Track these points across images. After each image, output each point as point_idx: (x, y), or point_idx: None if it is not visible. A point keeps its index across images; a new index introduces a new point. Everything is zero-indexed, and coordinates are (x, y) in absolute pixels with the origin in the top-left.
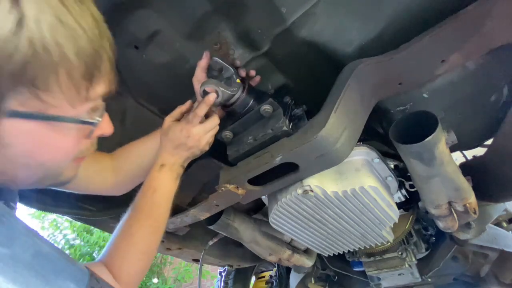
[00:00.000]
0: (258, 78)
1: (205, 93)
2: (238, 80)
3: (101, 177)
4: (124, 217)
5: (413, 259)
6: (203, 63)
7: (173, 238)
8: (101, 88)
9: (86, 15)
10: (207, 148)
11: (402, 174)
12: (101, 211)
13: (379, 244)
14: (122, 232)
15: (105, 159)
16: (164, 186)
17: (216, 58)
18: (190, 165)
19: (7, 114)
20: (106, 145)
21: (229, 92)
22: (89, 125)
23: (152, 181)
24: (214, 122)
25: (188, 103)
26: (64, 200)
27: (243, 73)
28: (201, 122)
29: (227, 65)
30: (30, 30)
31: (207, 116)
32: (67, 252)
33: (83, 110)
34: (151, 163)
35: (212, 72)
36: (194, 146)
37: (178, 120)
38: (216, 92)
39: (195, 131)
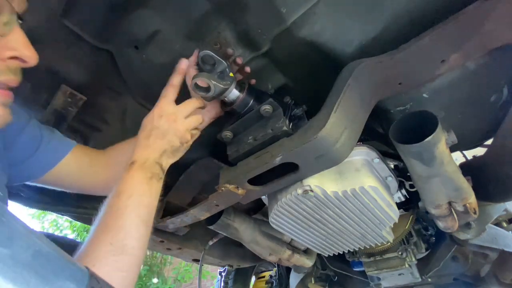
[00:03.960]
0: (253, 81)
1: (196, 86)
2: (231, 74)
3: (92, 171)
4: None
5: (413, 259)
6: (192, 59)
7: (173, 238)
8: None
9: None
10: (188, 137)
11: (402, 174)
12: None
13: (379, 244)
14: (79, 254)
15: (96, 154)
16: (130, 189)
17: (208, 51)
18: (189, 165)
19: None
20: (106, 146)
21: (222, 86)
22: None
23: (118, 184)
24: (194, 104)
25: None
26: (64, 200)
27: (239, 60)
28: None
29: (220, 59)
30: None
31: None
32: None
33: None
34: None
35: (205, 66)
36: (169, 129)
37: None
38: (208, 85)
39: (170, 109)
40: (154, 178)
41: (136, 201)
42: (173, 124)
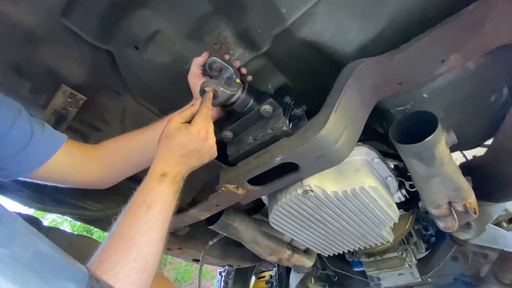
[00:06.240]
0: (250, 77)
1: (204, 93)
2: (238, 80)
3: (85, 166)
4: (104, 241)
5: (413, 259)
6: (199, 60)
7: (173, 238)
8: None
9: None
10: (215, 154)
11: (402, 174)
12: (100, 211)
13: (379, 244)
14: (96, 262)
15: (89, 148)
16: (163, 201)
17: (216, 58)
18: None
19: None
20: None
21: (229, 92)
22: None
23: (147, 194)
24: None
25: (197, 104)
26: (64, 200)
27: (244, 71)
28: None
29: (227, 65)
30: None
31: None
32: None
33: None
34: (140, 158)
35: (212, 72)
36: (207, 152)
37: (188, 122)
38: (216, 91)
39: (210, 135)
40: (177, 193)
41: (165, 216)
42: (213, 147)
